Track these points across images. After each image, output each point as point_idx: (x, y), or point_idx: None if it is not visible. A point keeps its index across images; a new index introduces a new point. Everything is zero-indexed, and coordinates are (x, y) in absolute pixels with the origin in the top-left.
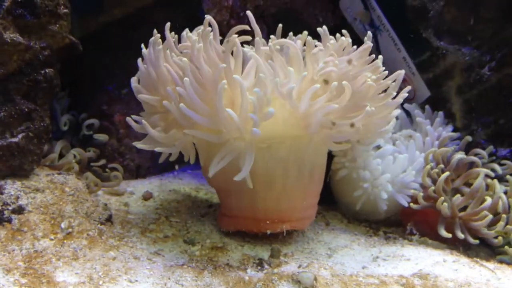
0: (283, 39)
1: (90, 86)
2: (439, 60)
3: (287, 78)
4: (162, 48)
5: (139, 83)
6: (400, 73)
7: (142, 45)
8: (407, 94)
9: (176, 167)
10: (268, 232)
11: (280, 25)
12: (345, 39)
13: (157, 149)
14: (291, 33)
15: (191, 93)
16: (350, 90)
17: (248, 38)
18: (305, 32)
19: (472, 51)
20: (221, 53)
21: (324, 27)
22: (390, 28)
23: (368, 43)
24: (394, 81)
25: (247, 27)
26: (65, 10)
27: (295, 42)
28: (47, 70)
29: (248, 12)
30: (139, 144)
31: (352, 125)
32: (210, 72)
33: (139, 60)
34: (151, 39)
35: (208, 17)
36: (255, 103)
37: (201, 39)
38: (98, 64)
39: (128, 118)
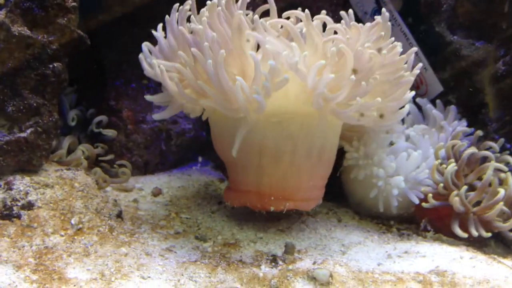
0: (298, 12)
1: (98, 82)
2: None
3: (295, 52)
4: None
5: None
6: (413, 50)
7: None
8: (418, 71)
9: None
10: (272, 208)
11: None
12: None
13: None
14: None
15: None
16: (351, 55)
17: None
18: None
19: (486, 45)
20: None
21: (350, 11)
22: (402, 22)
23: (378, 19)
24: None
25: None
26: (73, 4)
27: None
28: (55, 64)
29: None
30: (148, 96)
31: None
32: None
33: (159, 27)
34: (174, 6)
35: None
36: (267, 75)
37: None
38: (106, 59)
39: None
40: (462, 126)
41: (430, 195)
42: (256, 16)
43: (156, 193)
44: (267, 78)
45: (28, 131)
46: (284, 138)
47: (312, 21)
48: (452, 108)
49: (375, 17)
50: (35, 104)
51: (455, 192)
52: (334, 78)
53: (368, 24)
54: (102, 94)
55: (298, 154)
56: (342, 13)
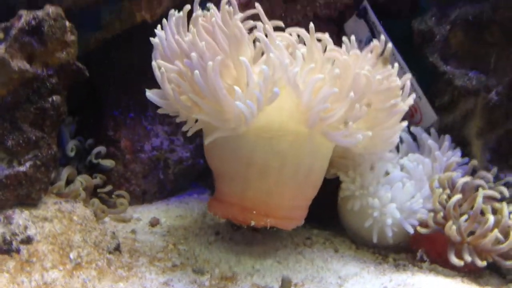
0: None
1: (96, 111)
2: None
3: (295, 65)
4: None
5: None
6: (407, 77)
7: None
8: (412, 101)
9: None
10: (253, 223)
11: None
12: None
13: (160, 110)
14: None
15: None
16: (351, 75)
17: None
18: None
19: (479, 75)
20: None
21: (352, 37)
22: (396, 51)
23: (375, 43)
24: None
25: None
26: (72, 37)
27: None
28: (54, 98)
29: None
30: (149, 92)
31: (346, 123)
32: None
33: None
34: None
35: None
36: (261, 84)
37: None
38: (104, 89)
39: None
40: (456, 156)
41: (431, 216)
42: (267, 26)
43: (154, 223)
44: (260, 88)
45: (27, 164)
46: (273, 154)
47: None
48: (447, 138)
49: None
50: (34, 138)
51: (451, 222)
52: (331, 97)
53: (365, 49)
54: (100, 124)
55: (285, 172)
56: (344, 39)
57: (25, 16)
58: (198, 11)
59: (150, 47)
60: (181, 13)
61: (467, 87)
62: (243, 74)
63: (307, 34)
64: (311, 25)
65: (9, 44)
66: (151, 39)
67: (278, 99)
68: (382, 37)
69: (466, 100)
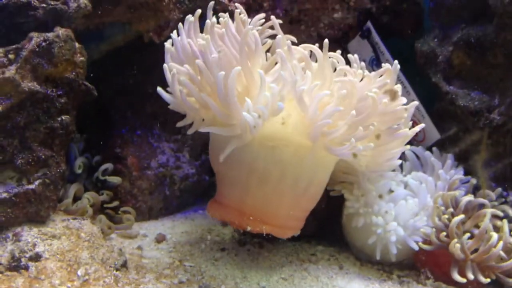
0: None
1: (104, 129)
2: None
3: (305, 81)
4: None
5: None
6: (414, 104)
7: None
8: (419, 129)
9: None
10: (248, 228)
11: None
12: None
13: (171, 106)
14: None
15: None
16: (356, 95)
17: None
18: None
19: (481, 95)
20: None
21: (356, 56)
22: (399, 71)
23: (387, 66)
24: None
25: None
26: (82, 58)
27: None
28: (63, 117)
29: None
30: (160, 89)
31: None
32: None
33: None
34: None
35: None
36: (269, 98)
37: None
38: (112, 107)
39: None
40: (459, 175)
41: (434, 233)
42: (286, 39)
43: (160, 239)
44: (267, 101)
45: (36, 182)
46: (274, 163)
47: None
48: (449, 156)
49: (383, 65)
50: (43, 156)
51: (455, 240)
52: (336, 114)
53: (375, 71)
54: (108, 141)
55: (285, 182)
56: (352, 57)
57: (35, 38)
58: (212, 19)
59: (156, 66)
60: (193, 18)
61: (469, 107)
62: (253, 83)
63: (319, 51)
64: (326, 41)
65: (20, 65)
66: (165, 43)
67: (285, 110)
68: (396, 62)
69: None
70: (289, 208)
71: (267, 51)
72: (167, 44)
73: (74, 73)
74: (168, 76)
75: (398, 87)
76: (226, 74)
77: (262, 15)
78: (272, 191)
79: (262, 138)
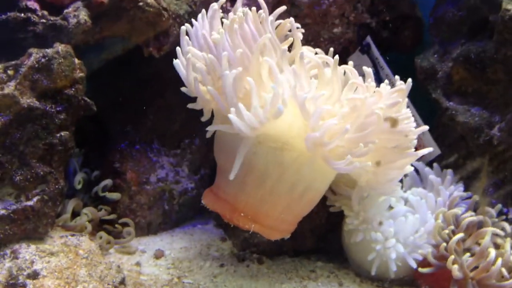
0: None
1: (103, 144)
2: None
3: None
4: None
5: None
6: (424, 128)
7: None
8: (426, 152)
9: None
10: (239, 224)
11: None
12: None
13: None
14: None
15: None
16: (363, 114)
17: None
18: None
19: (481, 111)
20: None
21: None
22: None
23: (401, 85)
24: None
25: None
26: (81, 74)
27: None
28: (62, 134)
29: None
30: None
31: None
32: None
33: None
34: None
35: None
36: (268, 100)
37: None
38: (111, 120)
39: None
40: (459, 191)
41: (430, 254)
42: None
43: (159, 255)
44: (265, 106)
45: (35, 199)
46: (274, 164)
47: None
48: (449, 172)
49: (397, 83)
50: (42, 173)
51: (452, 257)
52: (336, 127)
53: (389, 89)
54: (107, 156)
55: (282, 184)
56: (365, 68)
57: (35, 54)
58: (233, 14)
59: (156, 80)
60: (216, 5)
61: (469, 123)
62: (261, 85)
63: (331, 60)
64: (336, 57)
65: (19, 81)
66: (181, 27)
67: (292, 115)
68: (409, 80)
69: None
70: (282, 211)
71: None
72: (184, 28)
73: (73, 89)
74: (183, 59)
75: (405, 114)
76: (231, 74)
77: (283, 7)
78: (268, 193)
79: (266, 138)
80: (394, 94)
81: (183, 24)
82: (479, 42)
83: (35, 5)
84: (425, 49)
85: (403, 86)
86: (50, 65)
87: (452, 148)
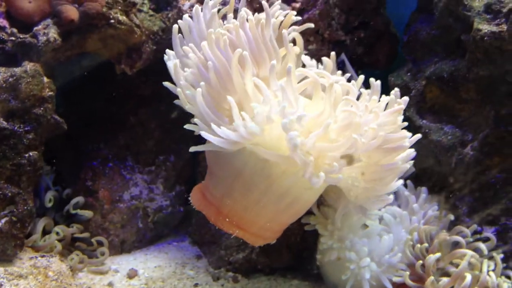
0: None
1: (75, 162)
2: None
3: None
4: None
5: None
6: (417, 136)
7: None
8: (408, 165)
9: None
10: (223, 228)
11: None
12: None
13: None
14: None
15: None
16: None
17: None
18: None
19: (454, 130)
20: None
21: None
22: None
23: (401, 106)
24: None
25: None
26: (50, 93)
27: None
28: (31, 153)
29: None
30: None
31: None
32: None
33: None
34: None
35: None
36: (247, 120)
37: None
38: (84, 138)
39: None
40: (433, 210)
41: (409, 281)
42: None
43: (132, 275)
44: (245, 123)
45: (3, 221)
46: (262, 176)
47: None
48: (423, 190)
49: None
50: (9, 194)
51: (432, 278)
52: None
53: (388, 110)
54: (79, 174)
55: (269, 195)
56: (372, 81)
57: (2, 74)
58: (220, 27)
59: (129, 97)
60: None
61: (442, 141)
62: (245, 96)
63: (328, 75)
64: (335, 79)
65: None
66: (179, 21)
67: (281, 129)
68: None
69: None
70: (268, 220)
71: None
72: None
73: (42, 108)
74: (171, 67)
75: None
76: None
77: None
78: (254, 201)
79: (254, 150)
80: (392, 114)
81: (157, 41)
82: (452, 61)
83: (4, 23)
84: (400, 67)
85: (401, 106)
86: (18, 84)
87: (426, 166)
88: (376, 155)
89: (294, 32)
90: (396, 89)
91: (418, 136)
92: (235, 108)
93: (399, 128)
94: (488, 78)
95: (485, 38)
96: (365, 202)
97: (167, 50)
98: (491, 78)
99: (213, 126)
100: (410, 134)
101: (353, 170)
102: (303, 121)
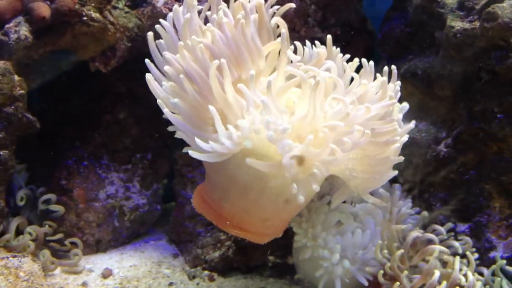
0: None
1: (49, 160)
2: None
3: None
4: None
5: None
6: (410, 127)
7: None
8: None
9: None
10: (225, 230)
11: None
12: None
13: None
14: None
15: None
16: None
17: None
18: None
19: (428, 127)
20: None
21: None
22: None
23: (393, 100)
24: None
25: None
26: (21, 91)
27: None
28: (1, 153)
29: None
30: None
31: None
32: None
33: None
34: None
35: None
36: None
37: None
38: (59, 137)
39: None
40: (407, 207)
41: (381, 278)
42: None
43: (107, 274)
44: (229, 134)
45: None
46: (256, 178)
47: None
48: (397, 187)
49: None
50: None
51: (397, 283)
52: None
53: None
54: (53, 173)
55: (265, 196)
56: (364, 62)
57: None
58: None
59: (105, 94)
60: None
61: (416, 139)
62: (227, 106)
63: (318, 72)
64: (319, 79)
65: None
66: (156, 26)
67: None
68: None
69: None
70: (268, 219)
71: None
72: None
73: (13, 107)
74: (148, 80)
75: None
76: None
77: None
78: (252, 203)
79: (246, 151)
80: (383, 108)
81: (132, 38)
82: (426, 58)
83: None
84: (375, 64)
85: (393, 101)
86: None
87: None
88: (369, 147)
89: (276, 17)
90: (387, 69)
91: (411, 126)
92: (217, 120)
93: (392, 122)
94: (462, 75)
95: (458, 35)
96: (363, 192)
97: (147, 61)
98: (465, 75)
99: (197, 141)
100: (400, 129)
101: (350, 162)
102: (287, 133)
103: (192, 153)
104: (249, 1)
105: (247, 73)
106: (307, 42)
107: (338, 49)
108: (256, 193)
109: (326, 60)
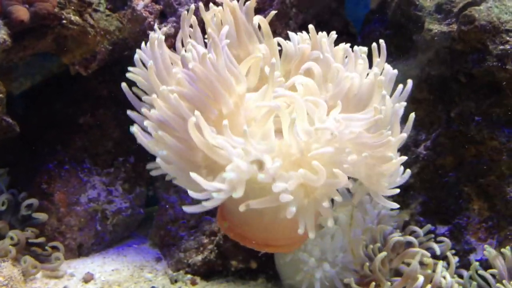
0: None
1: (30, 164)
2: None
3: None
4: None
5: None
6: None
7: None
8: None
9: None
10: (255, 249)
11: None
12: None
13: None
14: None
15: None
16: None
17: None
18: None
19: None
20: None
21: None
22: None
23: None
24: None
25: None
26: (0, 95)
27: None
28: None
29: None
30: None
31: None
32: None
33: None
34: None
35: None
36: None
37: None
38: (41, 141)
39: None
40: (386, 210)
41: (354, 285)
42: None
43: (88, 279)
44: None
45: None
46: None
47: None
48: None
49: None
50: None
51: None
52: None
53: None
54: (34, 177)
55: (281, 213)
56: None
57: None
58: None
59: (86, 98)
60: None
61: None
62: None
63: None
64: (303, 102)
65: None
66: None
67: None
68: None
69: None
70: (290, 231)
71: None
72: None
73: None
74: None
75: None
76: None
77: (226, 27)
78: (270, 222)
79: (248, 181)
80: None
81: (113, 41)
82: (405, 61)
83: None
84: None
85: (404, 135)
86: None
87: None
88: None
89: (258, 16)
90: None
91: (403, 136)
92: (202, 181)
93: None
94: (440, 77)
95: (436, 38)
96: (375, 194)
97: (129, 112)
98: (442, 78)
99: (191, 193)
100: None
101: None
102: (277, 170)
103: (186, 208)
104: (222, 26)
105: (226, 106)
106: (291, 34)
107: (324, 33)
108: (272, 213)
109: (313, 51)
